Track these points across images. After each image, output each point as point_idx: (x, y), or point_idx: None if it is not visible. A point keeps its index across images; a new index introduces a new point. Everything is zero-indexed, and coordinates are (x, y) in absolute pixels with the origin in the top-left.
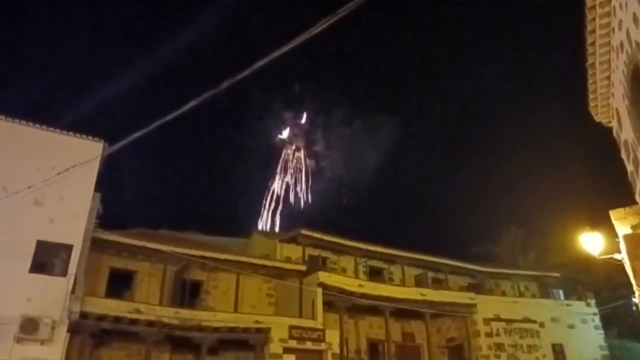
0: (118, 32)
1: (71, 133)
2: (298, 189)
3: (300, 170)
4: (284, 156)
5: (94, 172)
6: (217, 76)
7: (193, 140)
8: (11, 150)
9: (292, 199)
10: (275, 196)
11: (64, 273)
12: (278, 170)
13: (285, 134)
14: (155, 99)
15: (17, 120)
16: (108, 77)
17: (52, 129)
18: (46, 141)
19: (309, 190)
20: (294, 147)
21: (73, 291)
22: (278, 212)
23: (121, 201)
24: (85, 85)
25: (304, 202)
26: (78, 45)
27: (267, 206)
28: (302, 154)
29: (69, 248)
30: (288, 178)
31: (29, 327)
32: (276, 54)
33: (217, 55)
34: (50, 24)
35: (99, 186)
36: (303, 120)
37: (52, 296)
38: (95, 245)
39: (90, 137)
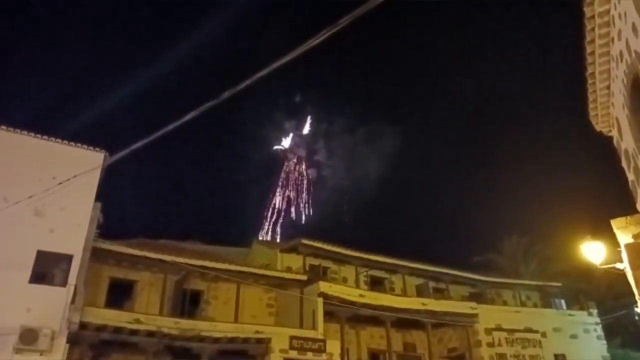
0: (119, 41)
1: (72, 143)
2: (299, 200)
3: (302, 183)
4: (285, 168)
5: (95, 182)
6: (219, 84)
7: (194, 149)
8: (12, 160)
9: (293, 212)
10: (276, 209)
11: (63, 283)
12: (279, 184)
13: (286, 143)
14: (156, 108)
15: (18, 131)
16: (109, 87)
17: (53, 139)
18: (47, 151)
19: (310, 201)
20: (295, 158)
21: (73, 301)
22: (279, 224)
23: (122, 211)
24: (87, 95)
25: (305, 215)
26: (80, 55)
27: (268, 218)
28: (303, 166)
29: (69, 258)
30: (289, 191)
31: (28, 338)
32: (277, 64)
33: (219, 64)
34: (51, 34)
35: (100, 196)
36: (305, 130)
37: (51, 306)
38: (96, 255)
39: (91, 148)
